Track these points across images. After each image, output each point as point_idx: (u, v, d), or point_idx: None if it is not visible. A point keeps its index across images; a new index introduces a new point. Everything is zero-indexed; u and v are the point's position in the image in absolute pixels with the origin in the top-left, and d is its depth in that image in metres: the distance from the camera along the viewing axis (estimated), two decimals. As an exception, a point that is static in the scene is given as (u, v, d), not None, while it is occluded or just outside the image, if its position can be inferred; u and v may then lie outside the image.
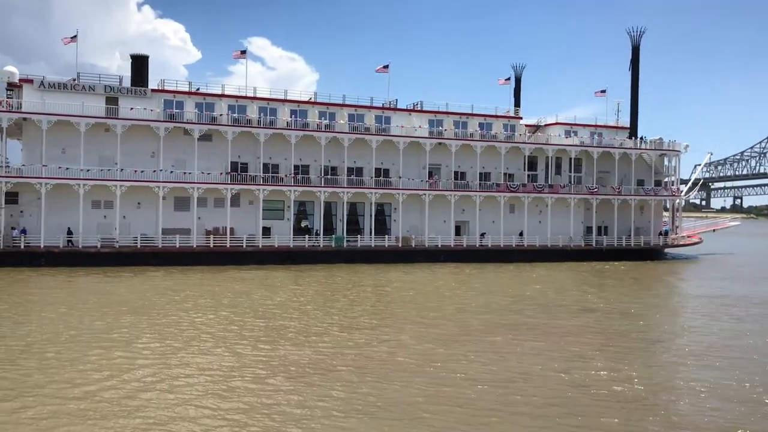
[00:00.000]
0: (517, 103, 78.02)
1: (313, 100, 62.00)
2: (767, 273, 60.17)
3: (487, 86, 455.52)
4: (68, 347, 24.28)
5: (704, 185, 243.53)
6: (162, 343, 25.41)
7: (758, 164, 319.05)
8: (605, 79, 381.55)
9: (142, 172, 54.80)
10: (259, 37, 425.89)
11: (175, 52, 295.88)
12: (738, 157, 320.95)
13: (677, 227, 73.96)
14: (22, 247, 50.28)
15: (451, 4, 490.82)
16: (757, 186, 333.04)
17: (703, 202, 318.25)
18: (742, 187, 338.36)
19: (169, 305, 34.29)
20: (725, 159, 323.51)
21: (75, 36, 55.09)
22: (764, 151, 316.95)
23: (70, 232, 52.49)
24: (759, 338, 28.53)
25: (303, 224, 60.62)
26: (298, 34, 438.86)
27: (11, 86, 53.46)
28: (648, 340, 28.12)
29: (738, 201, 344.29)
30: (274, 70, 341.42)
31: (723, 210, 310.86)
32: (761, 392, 20.27)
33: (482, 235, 64.38)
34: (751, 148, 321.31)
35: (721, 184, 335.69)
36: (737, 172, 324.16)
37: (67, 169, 52.58)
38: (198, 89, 59.35)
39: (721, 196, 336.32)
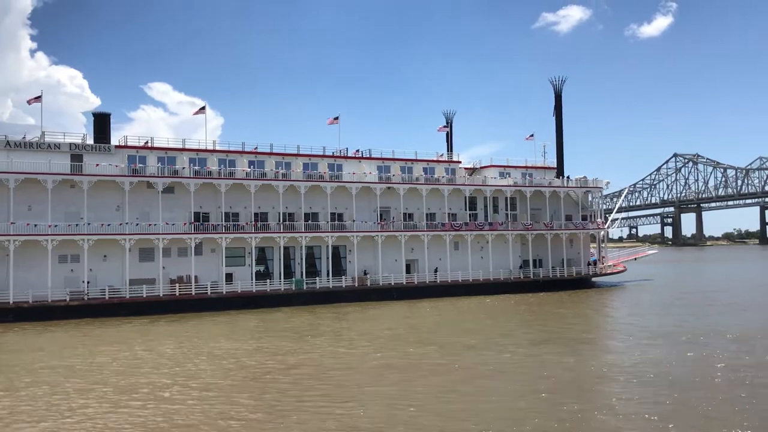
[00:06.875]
0: (450, 147, 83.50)
1: (270, 151, 64.89)
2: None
3: (411, 134, 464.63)
4: None
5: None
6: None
7: (649, 195, 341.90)
8: (531, 121, 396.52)
9: (108, 225, 56.07)
10: (160, 83, 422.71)
11: (72, 99, 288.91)
12: (631, 189, 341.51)
13: (603, 257, 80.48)
14: (-10, 304, 50.58)
15: (376, 56, 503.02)
16: (649, 216, 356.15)
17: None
18: (636, 216, 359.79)
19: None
20: (620, 191, 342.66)
21: (39, 96, 56.07)
22: (654, 182, 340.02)
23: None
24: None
25: (257, 269, 62.87)
26: (201, 79, 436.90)
27: (-25, 146, 53.82)
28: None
29: (633, 230, 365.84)
30: (177, 115, 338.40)
31: (621, 239, 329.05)
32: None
33: (435, 270, 68.57)
34: (642, 180, 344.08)
35: (617, 215, 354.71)
36: (631, 203, 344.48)
37: (35, 225, 53.31)
38: (150, 139, 61.06)
39: (618, 227, 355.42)
